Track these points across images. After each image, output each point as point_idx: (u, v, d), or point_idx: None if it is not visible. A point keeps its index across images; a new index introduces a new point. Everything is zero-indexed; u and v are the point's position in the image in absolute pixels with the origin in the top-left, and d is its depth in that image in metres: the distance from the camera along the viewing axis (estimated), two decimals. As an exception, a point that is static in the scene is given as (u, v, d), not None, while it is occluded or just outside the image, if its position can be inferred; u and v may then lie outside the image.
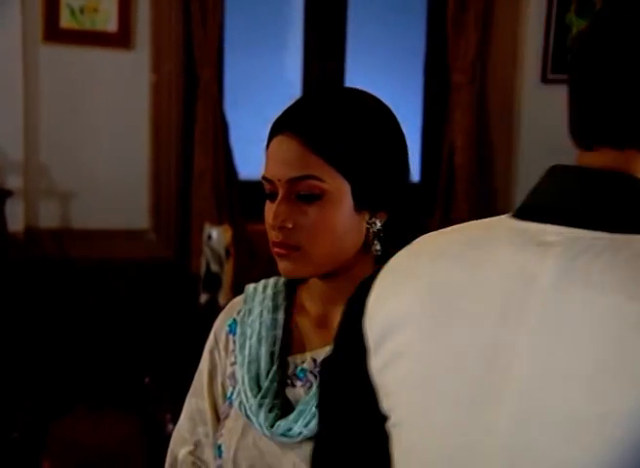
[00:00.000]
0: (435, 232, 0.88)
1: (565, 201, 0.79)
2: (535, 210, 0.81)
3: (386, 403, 0.80)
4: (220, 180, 3.19)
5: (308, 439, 1.04)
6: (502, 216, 0.86)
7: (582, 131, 0.81)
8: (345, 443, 0.84)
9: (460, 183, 3.31)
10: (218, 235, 2.98)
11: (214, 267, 3.02)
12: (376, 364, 0.81)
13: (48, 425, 2.67)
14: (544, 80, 3.30)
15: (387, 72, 3.46)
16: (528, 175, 3.33)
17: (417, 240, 0.87)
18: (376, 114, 1.08)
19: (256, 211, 1.34)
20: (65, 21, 3.04)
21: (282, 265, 1.07)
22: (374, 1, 3.42)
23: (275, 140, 1.07)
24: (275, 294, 1.14)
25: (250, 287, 1.17)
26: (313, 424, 1.03)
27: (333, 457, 0.86)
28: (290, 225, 1.04)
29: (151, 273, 3.23)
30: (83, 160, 3.20)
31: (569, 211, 0.78)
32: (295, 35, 3.36)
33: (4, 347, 2.93)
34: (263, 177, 1.08)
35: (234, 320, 1.16)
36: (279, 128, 1.07)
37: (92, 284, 3.21)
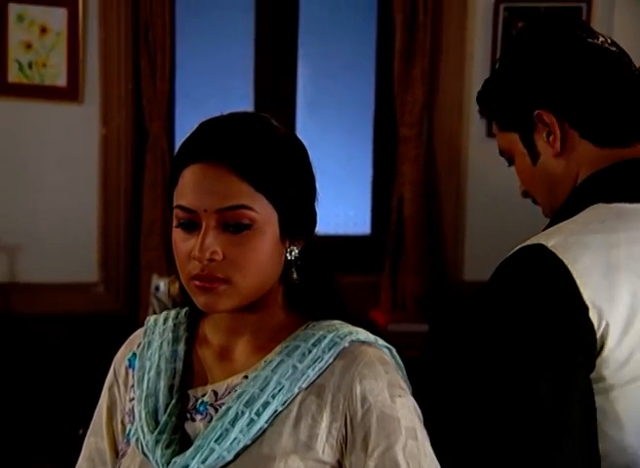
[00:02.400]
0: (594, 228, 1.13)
1: None
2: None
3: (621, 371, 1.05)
4: (169, 232, 3.18)
5: None
6: (602, 205, 1.15)
7: (625, 133, 1.18)
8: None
9: (410, 235, 3.34)
10: (165, 286, 2.96)
11: (160, 319, 3.00)
12: (623, 345, 1.05)
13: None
14: (489, 134, 3.36)
15: (338, 125, 3.52)
16: (476, 226, 3.37)
17: (588, 241, 1.10)
18: (288, 139, 1.08)
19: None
20: (14, 76, 3.06)
21: (204, 299, 1.02)
22: (324, 56, 3.49)
23: (195, 169, 1.01)
24: (176, 326, 1.11)
25: (150, 319, 1.15)
26: (211, 460, 1.01)
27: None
28: (219, 257, 1.00)
29: (100, 326, 3.19)
30: (31, 213, 3.19)
31: None
32: (246, 88, 3.41)
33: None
34: (180, 207, 1.02)
35: (134, 354, 1.13)
36: (198, 156, 1.02)
37: (39, 338, 3.16)
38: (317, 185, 1.10)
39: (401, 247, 3.35)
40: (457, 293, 3.32)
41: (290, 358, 1.04)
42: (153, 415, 1.05)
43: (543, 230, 1.20)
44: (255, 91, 3.41)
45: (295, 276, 1.07)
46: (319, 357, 1.03)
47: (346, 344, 1.04)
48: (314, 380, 1.03)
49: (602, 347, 1.06)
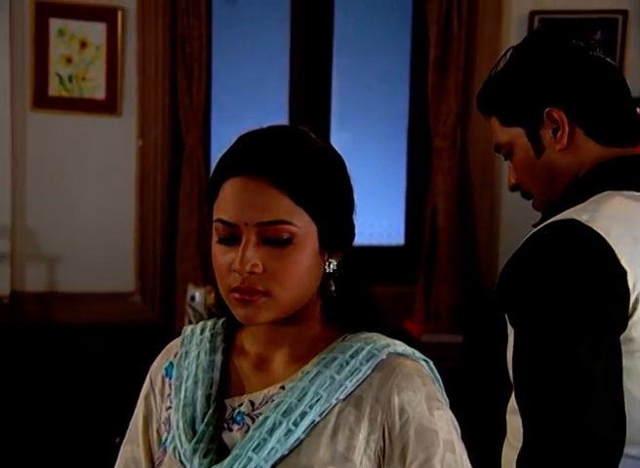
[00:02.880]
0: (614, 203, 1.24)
1: None
2: None
3: None
4: (204, 243, 3.23)
5: None
6: (612, 192, 1.24)
7: (623, 135, 1.31)
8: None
9: (443, 246, 3.33)
10: (200, 296, 2.99)
11: (196, 329, 3.03)
12: None
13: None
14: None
15: (373, 136, 3.53)
16: (510, 236, 3.35)
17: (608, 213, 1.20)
18: (327, 152, 1.08)
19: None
20: (54, 89, 3.13)
21: (244, 312, 1.02)
22: (359, 67, 3.51)
23: (235, 182, 1.02)
24: (213, 336, 1.12)
25: (187, 329, 1.15)
26: None
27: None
28: (259, 270, 1.01)
29: (136, 335, 3.23)
30: (70, 224, 3.24)
31: None
32: (280, 99, 3.44)
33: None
34: (221, 221, 1.02)
35: (171, 363, 1.14)
36: (238, 169, 1.02)
37: (76, 347, 3.21)
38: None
39: (435, 257, 3.35)
40: (491, 304, 3.30)
41: (327, 369, 1.04)
42: (191, 424, 1.06)
43: (540, 221, 1.29)
44: (289, 102, 3.43)
45: (333, 288, 1.07)
46: (357, 368, 1.04)
47: (384, 356, 1.05)
48: (352, 392, 1.04)
49: (634, 310, 1.14)
